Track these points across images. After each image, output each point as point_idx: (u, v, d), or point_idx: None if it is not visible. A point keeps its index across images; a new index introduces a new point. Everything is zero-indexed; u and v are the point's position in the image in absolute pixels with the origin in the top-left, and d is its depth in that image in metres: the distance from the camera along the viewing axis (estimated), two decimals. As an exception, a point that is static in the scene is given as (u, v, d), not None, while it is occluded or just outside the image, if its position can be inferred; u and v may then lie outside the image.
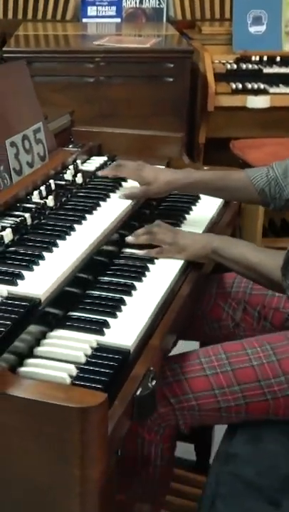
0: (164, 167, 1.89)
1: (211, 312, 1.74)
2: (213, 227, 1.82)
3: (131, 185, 1.83)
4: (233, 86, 3.42)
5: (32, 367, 1.17)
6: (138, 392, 1.14)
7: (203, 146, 3.56)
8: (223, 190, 1.74)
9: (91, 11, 3.84)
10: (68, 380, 1.14)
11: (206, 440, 2.02)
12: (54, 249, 1.47)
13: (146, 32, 3.76)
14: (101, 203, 1.72)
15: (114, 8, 3.87)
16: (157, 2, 3.96)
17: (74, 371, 1.16)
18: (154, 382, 1.17)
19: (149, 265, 1.55)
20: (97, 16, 3.85)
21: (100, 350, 1.24)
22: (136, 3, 3.93)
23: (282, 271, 1.40)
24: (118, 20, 3.88)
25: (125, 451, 1.47)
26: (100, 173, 1.85)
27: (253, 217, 3.20)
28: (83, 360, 1.20)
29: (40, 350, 1.23)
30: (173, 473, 1.81)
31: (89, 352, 1.22)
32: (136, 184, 1.79)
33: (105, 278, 1.50)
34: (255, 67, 3.53)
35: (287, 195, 1.66)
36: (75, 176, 1.84)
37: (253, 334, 1.58)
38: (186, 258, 1.57)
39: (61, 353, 1.21)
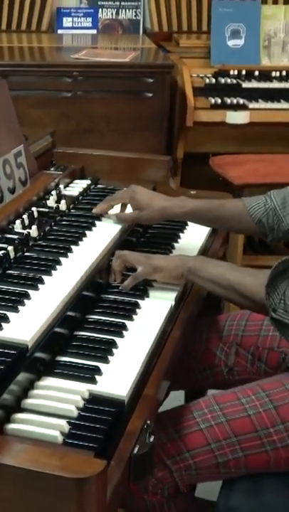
0: (156, 192, 1.82)
1: (203, 358, 1.66)
2: (203, 255, 1.74)
3: (116, 210, 1.75)
4: (212, 101, 3.36)
5: (21, 423, 1.08)
6: (136, 451, 1.06)
7: (181, 161, 3.49)
8: (219, 220, 1.67)
9: (66, 22, 3.75)
10: (60, 439, 1.05)
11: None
12: (40, 286, 1.38)
13: (123, 44, 3.68)
14: (87, 232, 1.64)
15: (90, 19, 3.78)
16: (134, 14, 3.89)
17: (66, 427, 1.08)
18: (151, 438, 1.09)
19: (139, 301, 1.48)
20: (72, 27, 3.76)
21: (93, 401, 1.16)
22: (112, 14, 3.85)
23: (267, 289, 1.32)
24: (94, 31, 3.79)
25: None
26: (94, 211, 1.72)
27: (233, 235, 3.14)
28: (75, 414, 1.12)
29: (28, 402, 1.14)
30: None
31: (81, 404, 1.14)
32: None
33: (94, 316, 1.42)
34: (234, 81, 3.48)
35: (286, 227, 1.59)
36: (58, 201, 1.76)
37: (248, 378, 1.52)
38: (161, 279, 1.51)
39: (51, 406, 1.12)
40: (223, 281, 1.41)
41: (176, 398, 1.75)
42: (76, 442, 1.04)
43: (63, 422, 1.08)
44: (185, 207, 1.65)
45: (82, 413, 1.12)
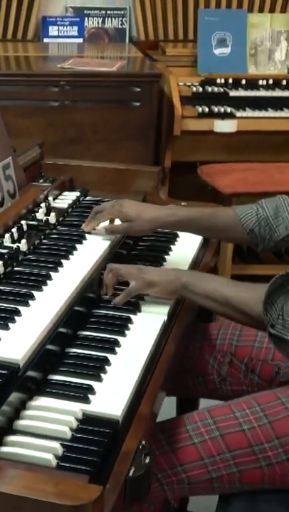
0: (145, 203, 1.79)
1: (196, 365, 1.64)
2: (195, 268, 1.73)
3: (106, 223, 1.72)
4: (200, 109, 3.35)
5: (13, 446, 1.05)
6: (131, 473, 1.03)
7: (169, 170, 3.48)
8: (210, 229, 1.64)
9: (52, 30, 3.73)
10: (54, 462, 1.02)
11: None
12: (30, 302, 1.35)
13: (109, 53, 3.66)
14: (77, 245, 1.61)
15: (76, 28, 3.77)
16: (120, 22, 3.88)
17: (59, 450, 1.05)
18: (147, 460, 1.06)
19: (131, 316, 1.45)
20: (58, 36, 3.73)
21: (86, 421, 1.13)
22: (98, 23, 3.83)
23: (264, 305, 1.30)
24: (80, 40, 3.77)
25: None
26: (85, 229, 1.67)
27: (222, 244, 3.13)
28: (69, 435, 1.09)
29: (20, 424, 1.11)
30: None
31: (74, 425, 1.11)
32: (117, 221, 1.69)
33: (86, 333, 1.39)
34: (221, 90, 3.48)
35: (278, 237, 1.57)
36: (47, 214, 1.73)
37: (240, 389, 1.49)
38: (155, 294, 1.48)
39: (44, 428, 1.09)
40: (219, 297, 1.38)
41: (167, 405, 1.72)
42: (70, 466, 1.02)
43: (57, 445, 1.05)
44: (175, 215, 1.62)
45: (76, 434, 1.09)
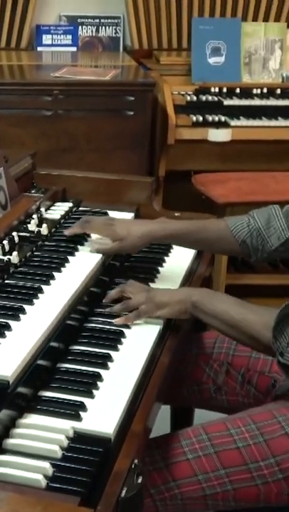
0: (134, 219, 1.77)
1: (191, 374, 1.61)
2: (190, 279, 1.71)
3: (98, 236, 1.70)
4: (194, 118, 3.33)
5: (2, 466, 1.02)
6: (123, 493, 1.01)
7: (163, 179, 3.46)
8: (202, 241, 1.63)
9: (46, 39, 3.71)
10: (44, 483, 1.00)
11: None
12: (21, 316, 1.33)
13: (103, 62, 3.65)
14: (69, 257, 1.59)
15: (69, 36, 3.75)
16: (114, 31, 3.87)
17: (49, 470, 1.02)
18: (140, 480, 1.04)
19: (124, 330, 1.43)
20: (52, 45, 3.72)
21: (78, 440, 1.10)
22: (92, 31, 3.82)
23: (274, 332, 1.29)
24: (74, 49, 3.76)
25: None
26: (66, 233, 1.67)
27: (217, 255, 3.11)
28: (59, 454, 1.06)
29: (10, 443, 1.08)
30: None
31: (65, 444, 1.09)
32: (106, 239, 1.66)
33: (78, 347, 1.36)
34: (215, 98, 3.47)
35: (271, 247, 1.55)
36: (39, 225, 1.71)
37: (236, 399, 1.47)
38: (165, 316, 1.45)
39: (34, 447, 1.07)
40: (228, 319, 1.37)
41: (162, 418, 1.69)
42: (61, 486, 0.99)
43: (47, 465, 1.03)
44: (166, 229, 1.61)
45: (67, 453, 1.07)
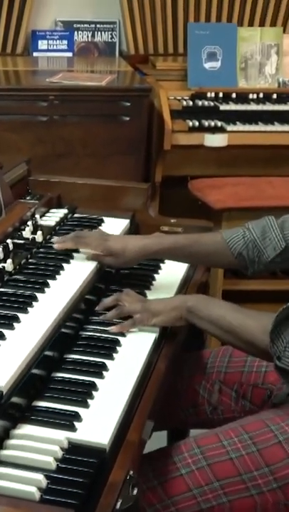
0: (128, 234, 1.76)
1: (186, 397, 1.60)
2: (186, 285, 1.70)
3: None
4: (190, 123, 3.33)
5: (-5, 479, 1.01)
6: (118, 505, 0.99)
7: (160, 185, 3.45)
8: (197, 255, 1.61)
9: (42, 44, 3.71)
10: (37, 495, 0.98)
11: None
12: (15, 325, 1.32)
13: (99, 67, 3.64)
14: (64, 265, 1.58)
15: (65, 41, 3.75)
16: (109, 36, 3.87)
17: (43, 482, 1.01)
18: (135, 491, 1.03)
19: (119, 338, 1.41)
20: (48, 50, 3.71)
21: (72, 451, 1.09)
22: (88, 37, 3.82)
23: (271, 336, 1.28)
24: (70, 54, 3.75)
25: None
26: (56, 247, 1.62)
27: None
28: (53, 466, 1.05)
29: (3, 454, 1.07)
30: None
31: (59, 455, 1.07)
32: None
33: (73, 356, 1.35)
34: (211, 103, 3.46)
35: (267, 259, 1.54)
36: (34, 232, 1.69)
37: (232, 416, 1.46)
38: (160, 323, 1.45)
39: (28, 458, 1.05)
40: (224, 324, 1.36)
41: (158, 437, 1.68)
42: (55, 499, 0.98)
43: (40, 476, 1.01)
44: (162, 244, 1.59)
45: (61, 465, 1.05)
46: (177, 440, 1.39)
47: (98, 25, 3.80)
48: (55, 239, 1.65)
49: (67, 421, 1.14)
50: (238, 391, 1.56)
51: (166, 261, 1.78)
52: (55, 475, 1.03)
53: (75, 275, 1.54)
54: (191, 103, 3.43)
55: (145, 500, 1.28)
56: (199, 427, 1.58)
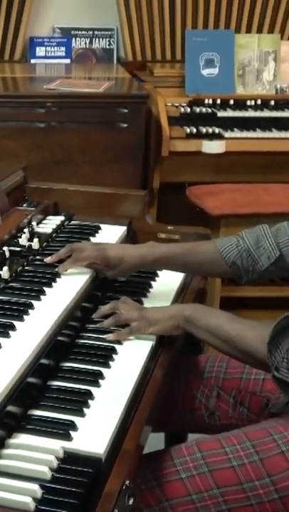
0: (124, 244, 1.76)
1: (183, 401, 1.59)
2: (183, 292, 1.69)
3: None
4: (188, 130, 3.33)
5: (-10, 489, 1.00)
6: (114, 516, 0.99)
7: (158, 191, 3.45)
8: (191, 264, 1.60)
9: (39, 51, 3.71)
10: (32, 506, 0.98)
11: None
12: (11, 333, 1.31)
13: (97, 74, 3.64)
14: (60, 272, 1.57)
15: (63, 48, 3.75)
16: (107, 43, 3.87)
17: (38, 492, 1.00)
18: (131, 501, 1.02)
19: (116, 346, 1.41)
20: (45, 57, 3.71)
21: (68, 460, 1.08)
22: (85, 43, 3.82)
23: (269, 346, 1.27)
24: (67, 61, 3.76)
25: None
26: (47, 260, 1.59)
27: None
28: (48, 476, 1.04)
29: (-2, 464, 1.06)
30: None
31: (55, 464, 1.06)
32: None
33: (69, 364, 1.34)
34: (209, 110, 3.46)
35: (261, 267, 1.53)
36: (30, 239, 1.69)
37: (229, 423, 1.45)
38: (157, 332, 1.44)
39: (23, 468, 1.04)
40: (222, 334, 1.35)
41: (155, 439, 1.67)
42: (50, 509, 0.97)
43: (35, 487, 1.00)
44: (156, 253, 1.59)
45: (56, 474, 1.04)
46: (175, 442, 1.39)
47: (96, 32, 3.80)
48: (48, 259, 1.60)
49: (63, 430, 1.13)
50: (236, 398, 1.55)
51: (163, 268, 1.78)
52: (51, 485, 1.02)
53: (72, 283, 1.53)
54: (188, 110, 3.43)
55: (143, 500, 1.27)
56: (197, 431, 1.57)
